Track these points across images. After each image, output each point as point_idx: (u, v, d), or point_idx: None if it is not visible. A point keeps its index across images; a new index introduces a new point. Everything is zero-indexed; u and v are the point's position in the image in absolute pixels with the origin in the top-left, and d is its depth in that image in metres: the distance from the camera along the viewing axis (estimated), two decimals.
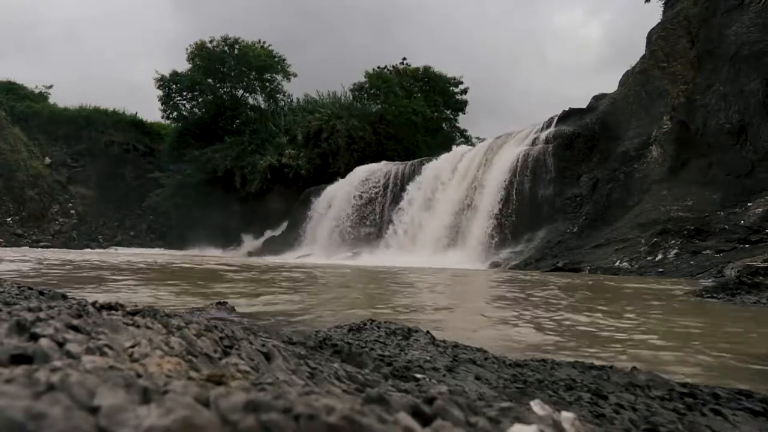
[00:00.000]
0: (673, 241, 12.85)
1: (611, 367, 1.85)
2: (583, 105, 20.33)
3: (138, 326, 0.90)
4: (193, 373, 0.72)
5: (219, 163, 32.30)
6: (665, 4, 19.55)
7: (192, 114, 36.95)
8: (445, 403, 0.60)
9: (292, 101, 37.04)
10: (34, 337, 0.72)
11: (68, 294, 2.64)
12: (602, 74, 78.31)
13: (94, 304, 1.09)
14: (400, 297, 6.09)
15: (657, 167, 16.24)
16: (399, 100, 33.10)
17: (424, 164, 23.32)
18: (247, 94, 37.25)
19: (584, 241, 15.52)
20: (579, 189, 17.63)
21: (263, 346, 1.10)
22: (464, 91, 37.04)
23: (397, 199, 23.08)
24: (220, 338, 1.02)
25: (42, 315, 0.82)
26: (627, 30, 69.36)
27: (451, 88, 36.77)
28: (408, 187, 22.71)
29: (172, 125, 38.11)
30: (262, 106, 36.99)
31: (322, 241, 24.52)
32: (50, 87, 38.99)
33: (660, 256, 12.48)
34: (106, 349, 0.75)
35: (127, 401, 0.50)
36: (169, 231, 34.18)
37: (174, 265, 12.04)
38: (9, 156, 30.72)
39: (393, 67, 36.47)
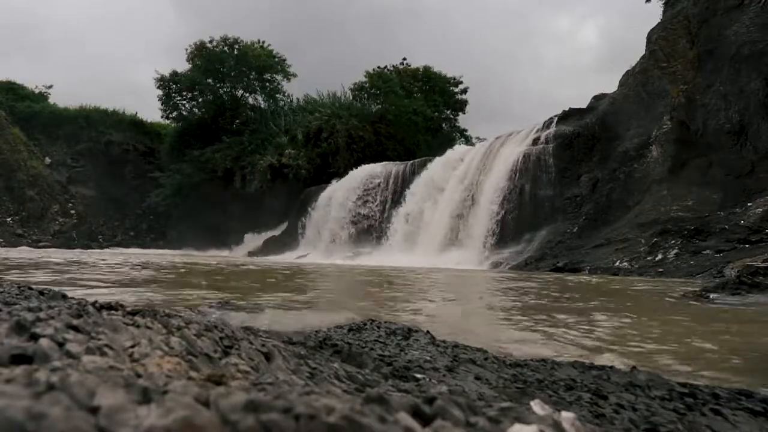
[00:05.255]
0: (673, 241, 12.85)
1: (611, 367, 1.85)
2: (581, 106, 20.32)
3: (138, 326, 0.90)
4: (193, 373, 0.72)
5: (219, 163, 32.31)
6: (665, 4, 19.54)
7: (192, 114, 36.94)
8: (445, 403, 0.60)
9: (292, 101, 37.05)
10: (34, 337, 0.72)
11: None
12: (600, 76, 78.39)
13: (94, 304, 1.10)
14: (401, 297, 6.09)
15: (657, 167, 16.24)
16: (399, 100, 33.08)
17: (424, 164, 23.30)
18: (247, 94, 37.26)
19: (584, 241, 15.52)
20: (579, 189, 17.63)
21: (263, 346, 1.10)
22: (464, 91, 37.06)
23: (397, 199, 23.06)
24: (220, 338, 1.02)
25: (42, 315, 0.82)
26: (624, 32, 69.43)
27: (450, 88, 36.78)
28: (408, 187, 22.69)
29: (172, 125, 38.12)
30: (262, 106, 36.99)
31: (322, 241, 24.52)
32: (50, 87, 39.02)
33: (660, 256, 12.48)
34: (106, 349, 0.75)
35: (127, 401, 0.50)
36: (169, 231, 34.21)
37: (177, 265, 12.05)
38: (9, 156, 30.70)
39: (393, 67, 36.48)
